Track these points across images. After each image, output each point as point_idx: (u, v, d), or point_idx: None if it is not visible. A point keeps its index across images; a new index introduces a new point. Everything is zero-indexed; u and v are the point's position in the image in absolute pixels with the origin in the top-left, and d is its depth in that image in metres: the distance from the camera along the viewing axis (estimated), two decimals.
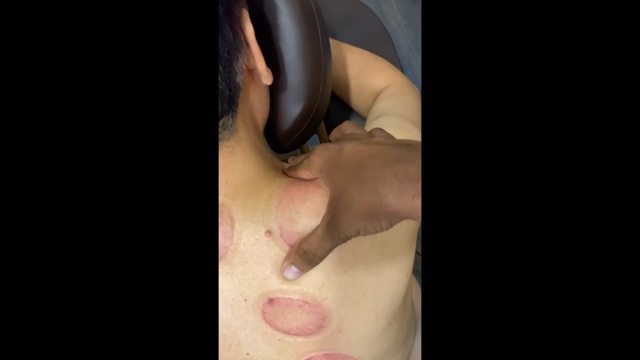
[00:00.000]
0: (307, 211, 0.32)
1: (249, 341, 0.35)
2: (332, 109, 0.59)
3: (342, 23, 0.64)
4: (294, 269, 0.31)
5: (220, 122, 0.33)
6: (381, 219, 0.28)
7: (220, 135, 0.33)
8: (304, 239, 0.31)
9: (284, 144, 0.45)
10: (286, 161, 0.39)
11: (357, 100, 0.55)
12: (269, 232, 0.33)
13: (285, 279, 0.32)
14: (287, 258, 0.32)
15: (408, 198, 0.26)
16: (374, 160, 0.29)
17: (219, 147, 0.33)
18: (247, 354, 0.35)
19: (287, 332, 0.34)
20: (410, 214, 0.27)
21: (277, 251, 0.32)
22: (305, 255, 0.31)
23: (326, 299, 0.32)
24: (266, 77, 0.36)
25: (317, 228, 0.31)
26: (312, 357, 0.35)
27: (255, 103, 0.37)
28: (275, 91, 0.41)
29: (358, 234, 0.29)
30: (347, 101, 0.57)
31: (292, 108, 0.42)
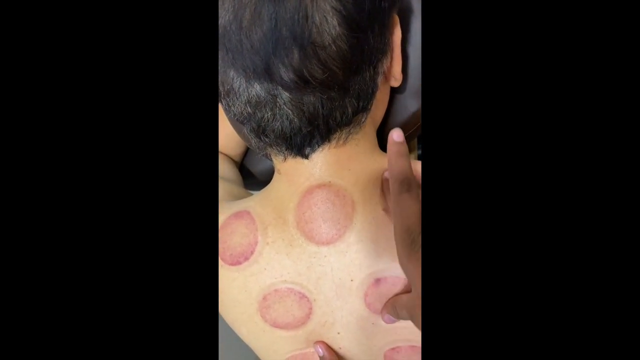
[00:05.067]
0: None
1: (343, 322, 0.37)
2: None
3: None
4: (391, 317, 0.35)
5: (356, 118, 0.35)
6: None
7: (352, 130, 0.35)
8: (396, 302, 0.34)
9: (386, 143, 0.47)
10: None
11: None
12: (386, 210, 0.35)
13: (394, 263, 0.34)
14: (384, 307, 0.35)
15: None
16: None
17: (349, 139, 0.36)
18: (338, 332, 0.38)
19: None
20: None
21: (391, 227, 0.34)
22: (395, 313, 0.34)
23: None
24: (397, 79, 0.38)
25: (405, 299, 0.33)
26: (398, 346, 0.37)
27: (379, 102, 0.39)
28: (393, 93, 0.43)
29: None
30: None
31: (406, 110, 0.44)
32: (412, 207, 0.29)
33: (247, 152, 0.60)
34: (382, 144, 0.47)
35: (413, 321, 0.31)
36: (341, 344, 0.39)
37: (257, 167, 0.60)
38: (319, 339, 0.39)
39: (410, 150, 0.62)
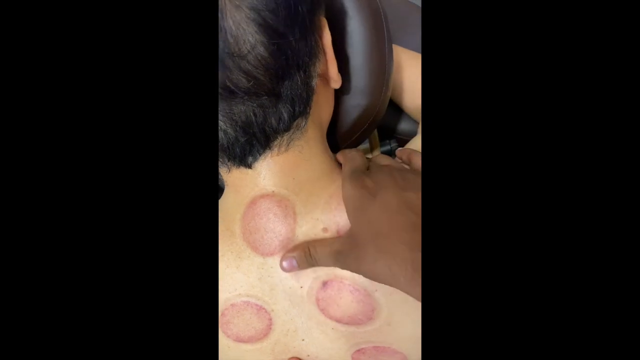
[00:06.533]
0: None
1: (304, 328, 0.37)
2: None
3: (401, 27, 0.64)
4: (293, 262, 0.34)
5: (295, 123, 0.35)
6: (386, 284, 0.30)
7: (292, 135, 0.35)
8: (315, 243, 0.34)
9: (341, 144, 0.47)
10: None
11: (410, 102, 0.57)
12: (325, 229, 0.35)
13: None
14: (292, 249, 0.34)
15: (417, 288, 0.28)
16: (399, 234, 0.30)
17: (291, 145, 0.35)
18: (302, 339, 0.38)
19: (339, 321, 0.36)
20: (416, 296, 0.28)
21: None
22: (308, 257, 0.33)
23: (376, 291, 0.34)
24: (336, 81, 0.38)
25: (330, 241, 0.33)
26: (362, 348, 0.37)
27: (322, 105, 0.39)
28: (339, 94, 0.43)
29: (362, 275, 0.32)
30: (399, 103, 0.58)
31: (354, 111, 0.44)
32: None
33: None
34: (334, 145, 0.47)
35: (340, 265, 0.33)
36: (309, 351, 0.38)
37: None
38: (285, 348, 0.38)
39: (374, 148, 0.62)
